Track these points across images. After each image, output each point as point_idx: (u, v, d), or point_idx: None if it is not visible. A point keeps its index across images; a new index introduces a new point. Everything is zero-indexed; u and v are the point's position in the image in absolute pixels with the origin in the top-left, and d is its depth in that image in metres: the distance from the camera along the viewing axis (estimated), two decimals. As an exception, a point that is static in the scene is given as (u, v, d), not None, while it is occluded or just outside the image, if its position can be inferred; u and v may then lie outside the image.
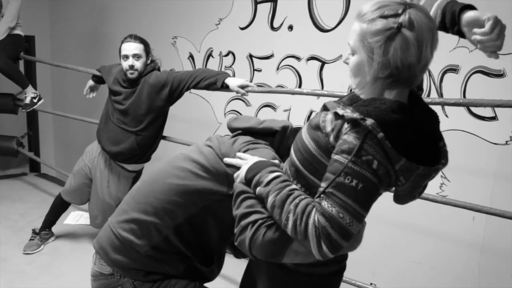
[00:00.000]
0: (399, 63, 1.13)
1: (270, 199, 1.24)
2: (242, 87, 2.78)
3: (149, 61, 2.99)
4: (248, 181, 1.34)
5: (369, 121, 1.12)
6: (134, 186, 1.65)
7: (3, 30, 3.97)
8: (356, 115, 1.14)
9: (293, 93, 3.04)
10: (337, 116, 1.20)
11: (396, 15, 1.13)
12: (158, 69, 3.06)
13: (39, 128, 5.37)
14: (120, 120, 3.04)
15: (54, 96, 5.56)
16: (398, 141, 1.14)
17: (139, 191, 1.59)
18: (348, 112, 1.16)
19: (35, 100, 4.20)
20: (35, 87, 4.40)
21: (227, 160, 1.48)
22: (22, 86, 4.16)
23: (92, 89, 3.52)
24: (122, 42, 2.96)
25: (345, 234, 1.12)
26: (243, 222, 1.30)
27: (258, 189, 1.29)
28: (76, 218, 3.85)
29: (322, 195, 1.15)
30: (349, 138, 1.14)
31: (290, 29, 3.30)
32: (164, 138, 3.30)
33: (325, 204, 1.13)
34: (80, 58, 4.95)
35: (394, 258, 2.95)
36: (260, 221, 1.28)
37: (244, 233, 1.30)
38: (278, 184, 1.25)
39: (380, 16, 1.14)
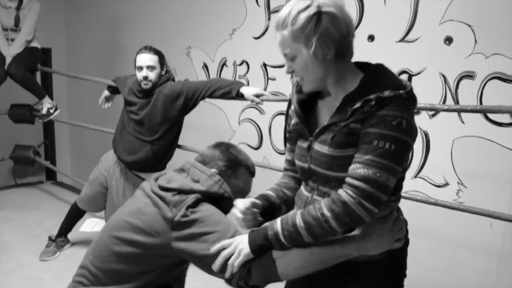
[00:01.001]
0: (336, 36, 1.23)
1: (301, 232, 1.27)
2: (257, 95, 2.80)
3: (163, 72, 3.02)
4: (260, 248, 1.34)
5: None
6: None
7: (21, 43, 4.06)
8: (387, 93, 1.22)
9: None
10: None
11: (309, 5, 1.24)
12: (173, 80, 3.09)
13: (55, 138, 5.44)
14: (136, 130, 3.07)
15: (70, 106, 5.63)
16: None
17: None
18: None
19: (51, 111, 4.27)
20: (51, 97, 4.47)
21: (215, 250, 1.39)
22: (39, 96, 4.24)
23: (107, 99, 3.56)
24: (137, 54, 3.00)
25: (384, 190, 1.21)
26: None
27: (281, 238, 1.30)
28: (91, 225, 3.88)
29: (358, 164, 1.22)
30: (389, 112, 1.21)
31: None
32: (179, 147, 3.33)
33: (361, 171, 1.21)
34: (95, 69, 5.01)
35: (411, 265, 2.93)
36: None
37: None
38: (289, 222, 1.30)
39: (298, 12, 1.24)
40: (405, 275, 1.57)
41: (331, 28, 1.22)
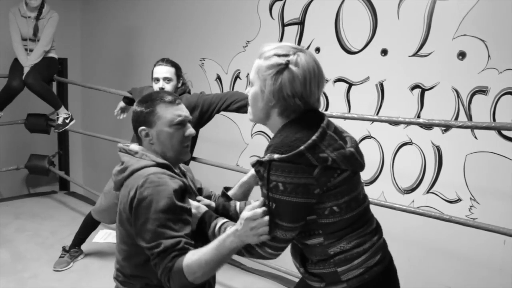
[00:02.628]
0: (287, 93, 1.35)
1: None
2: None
3: (179, 84, 3.05)
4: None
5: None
6: None
7: (39, 53, 4.12)
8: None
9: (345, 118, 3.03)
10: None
11: (287, 55, 1.37)
12: (189, 92, 3.12)
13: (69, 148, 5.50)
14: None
15: (83, 117, 5.70)
16: None
17: None
18: None
19: (67, 121, 4.32)
20: (66, 107, 4.52)
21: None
22: (55, 107, 4.29)
23: (122, 110, 3.60)
24: (155, 65, 3.03)
25: None
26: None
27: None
28: (104, 236, 3.91)
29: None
30: None
31: (317, 51, 3.34)
32: (194, 159, 3.35)
33: None
34: (109, 79, 5.07)
35: (423, 282, 2.91)
36: None
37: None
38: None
39: (274, 54, 1.38)
40: None
41: (286, 84, 1.35)
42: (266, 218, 1.35)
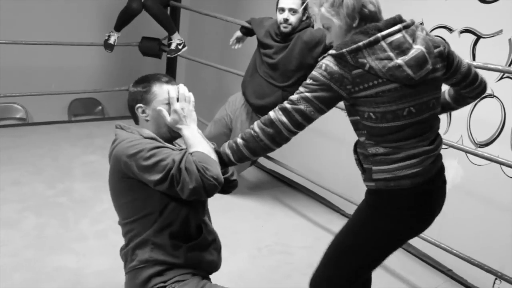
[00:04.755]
0: (358, 8, 1.58)
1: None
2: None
3: (304, 18, 2.93)
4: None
5: None
6: None
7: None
8: None
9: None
10: None
11: None
12: (312, 26, 3.00)
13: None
14: (268, 74, 3.04)
15: (190, 43, 5.72)
16: None
17: None
18: None
19: (179, 47, 4.38)
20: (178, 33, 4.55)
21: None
22: (170, 32, 4.34)
23: (238, 40, 3.56)
24: None
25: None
26: None
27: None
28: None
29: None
30: None
31: None
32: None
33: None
34: (219, 7, 5.00)
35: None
36: None
37: None
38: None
39: None
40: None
41: (352, 2, 1.58)
42: None
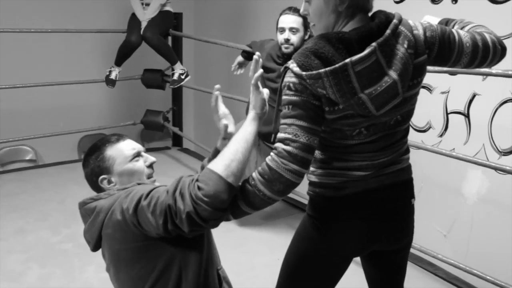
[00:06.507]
0: None
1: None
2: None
3: (306, 37, 2.79)
4: None
5: None
6: None
7: (156, 7, 4.08)
8: None
9: (453, 72, 2.66)
10: None
11: None
12: (316, 45, 2.84)
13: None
14: (273, 99, 2.87)
15: (196, 72, 5.65)
16: None
17: None
18: None
19: (182, 77, 4.29)
20: (181, 63, 4.46)
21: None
22: (171, 62, 4.26)
23: (240, 65, 3.43)
24: (280, 14, 2.81)
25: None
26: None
27: None
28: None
29: None
30: None
31: (454, 2, 2.94)
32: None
33: None
34: (224, 34, 4.93)
35: None
36: None
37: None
38: None
39: None
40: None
41: None
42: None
